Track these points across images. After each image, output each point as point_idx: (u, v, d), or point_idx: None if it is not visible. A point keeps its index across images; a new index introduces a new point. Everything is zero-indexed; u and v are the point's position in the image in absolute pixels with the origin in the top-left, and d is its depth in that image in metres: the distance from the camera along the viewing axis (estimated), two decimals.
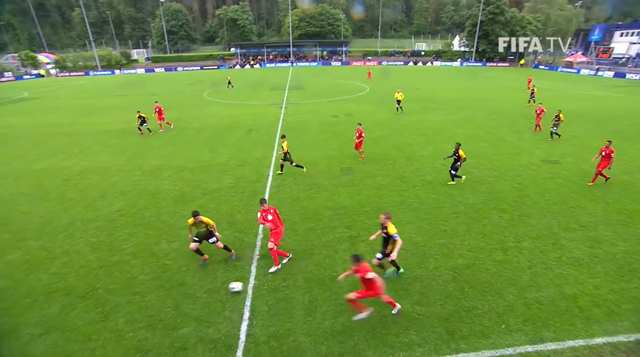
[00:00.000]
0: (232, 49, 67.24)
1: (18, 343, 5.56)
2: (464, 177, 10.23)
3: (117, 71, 65.57)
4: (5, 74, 61.63)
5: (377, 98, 23.71)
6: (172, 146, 15.32)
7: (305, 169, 11.19)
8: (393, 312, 5.82)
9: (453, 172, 9.86)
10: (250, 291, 6.49)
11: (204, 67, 64.87)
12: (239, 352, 5.36)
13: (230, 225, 8.69)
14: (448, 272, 6.68)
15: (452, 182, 10.00)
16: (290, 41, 59.07)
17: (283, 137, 10.97)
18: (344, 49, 60.93)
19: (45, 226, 9.05)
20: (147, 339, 5.60)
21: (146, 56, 75.28)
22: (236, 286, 6.39)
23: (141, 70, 65.81)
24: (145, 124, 17.04)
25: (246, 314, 6.00)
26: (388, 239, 6.00)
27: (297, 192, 10.00)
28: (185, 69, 65.30)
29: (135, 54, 74.42)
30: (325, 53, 61.65)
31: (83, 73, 65.16)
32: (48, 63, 71.36)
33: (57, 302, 6.37)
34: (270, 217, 6.74)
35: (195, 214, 6.84)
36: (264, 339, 5.53)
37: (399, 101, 18.59)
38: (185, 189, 10.96)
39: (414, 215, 8.52)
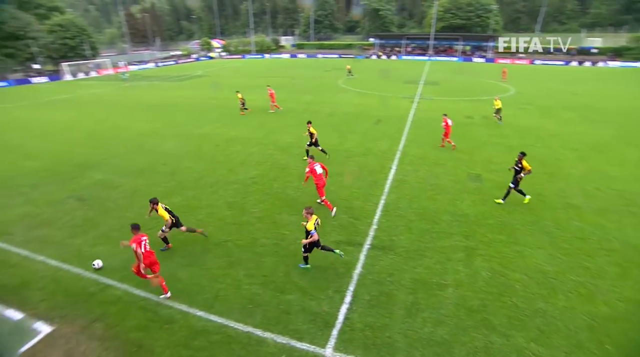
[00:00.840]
0: (371, 40, 69.55)
1: (169, 267, 7.56)
2: (528, 196, 9.30)
3: (266, 55, 77.30)
4: (192, 55, 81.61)
5: (521, 101, 21.90)
6: (304, 127, 16.66)
7: (328, 156, 12.40)
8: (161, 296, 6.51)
9: (512, 185, 9.12)
10: (355, 277, 6.98)
11: (342, 56, 67.91)
12: (335, 332, 5.83)
13: (347, 210, 9.46)
14: (583, 317, 5.98)
15: (500, 201, 9.27)
16: (432, 33, 58.12)
17: (309, 122, 12.54)
18: (490, 44, 56.14)
19: (198, 180, 11.76)
20: (259, 294, 6.73)
21: (292, 43, 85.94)
22: (97, 263, 7.44)
23: (286, 56, 74.93)
24: (244, 106, 19.86)
25: (347, 298, 6.49)
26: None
27: (418, 191, 10.35)
28: (324, 56, 70.54)
29: (283, 40, 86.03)
30: (468, 48, 58.80)
31: (241, 56, 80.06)
32: (218, 47, 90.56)
33: (199, 244, 8.32)
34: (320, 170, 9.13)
35: (153, 202, 7.63)
36: (360, 327, 5.89)
37: (498, 110, 16.88)
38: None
39: (547, 240, 7.91)
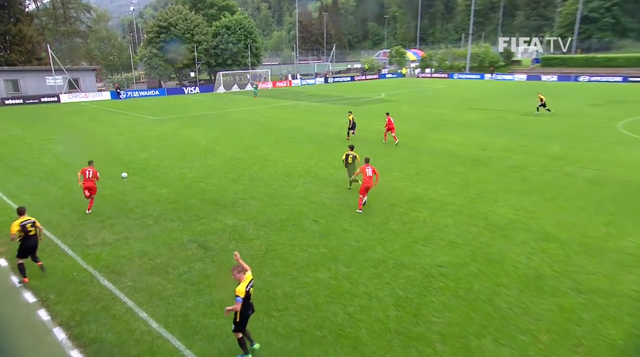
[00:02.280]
0: None
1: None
2: None
3: (487, 75, 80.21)
4: (383, 70, 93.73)
5: None
6: (540, 197, 17.12)
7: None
8: None
9: None
10: None
11: (630, 79, 63.75)
12: None
13: None
14: None
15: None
16: None
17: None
18: None
19: (358, 253, 12.70)
20: None
21: (534, 57, 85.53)
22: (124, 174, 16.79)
23: (521, 77, 76.31)
24: (352, 131, 28.19)
25: None
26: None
27: None
28: (591, 78, 68.19)
29: (519, 52, 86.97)
30: None
31: (446, 75, 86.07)
32: (414, 61, 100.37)
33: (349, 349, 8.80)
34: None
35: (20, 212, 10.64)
36: None
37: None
38: (545, 271, 11.53)
39: None
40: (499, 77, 78.66)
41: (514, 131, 30.21)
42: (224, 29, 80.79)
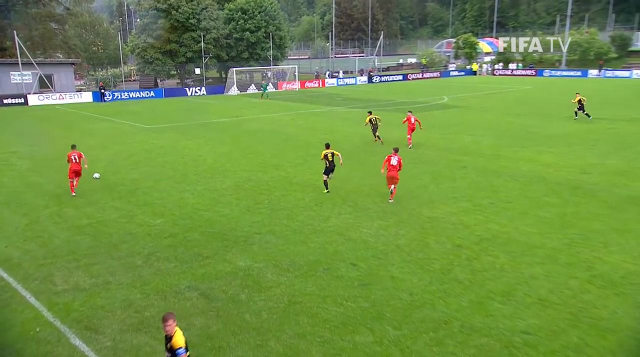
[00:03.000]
0: None
1: None
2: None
3: (592, 72, 79.01)
4: (448, 65, 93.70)
5: None
6: None
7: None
8: None
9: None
10: None
11: None
12: None
13: None
14: None
15: None
16: None
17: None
18: None
19: (411, 310, 12.48)
20: None
21: None
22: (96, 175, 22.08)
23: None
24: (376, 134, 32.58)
25: None
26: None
27: None
28: None
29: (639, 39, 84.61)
30: None
31: (533, 72, 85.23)
32: (488, 53, 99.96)
33: None
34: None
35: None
36: None
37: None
38: None
39: None
40: (610, 74, 77.41)
41: (631, 148, 29.58)
42: (239, 13, 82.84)
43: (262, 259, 15.48)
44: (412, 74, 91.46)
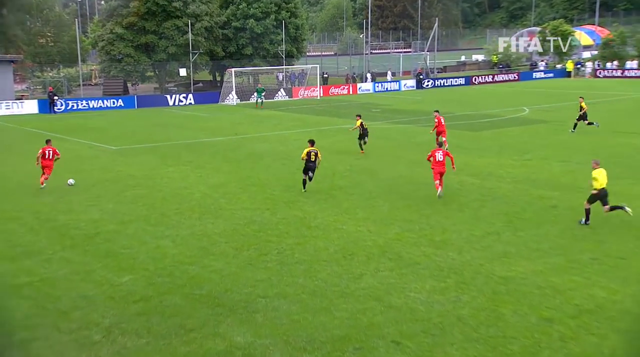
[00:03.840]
0: None
1: None
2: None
3: None
4: (531, 63, 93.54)
5: None
6: None
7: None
8: None
9: None
10: None
11: None
12: None
13: None
14: None
15: None
16: None
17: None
18: None
19: None
20: None
21: None
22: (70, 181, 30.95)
23: None
24: (363, 140, 39.49)
25: None
26: None
27: None
28: None
29: None
30: None
31: None
32: (588, 46, 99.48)
33: None
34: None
35: None
36: None
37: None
38: None
39: None
40: None
41: None
42: None
43: (268, 334, 15.34)
44: (478, 76, 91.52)
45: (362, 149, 38.95)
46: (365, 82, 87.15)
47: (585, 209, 22.90)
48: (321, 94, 77.44)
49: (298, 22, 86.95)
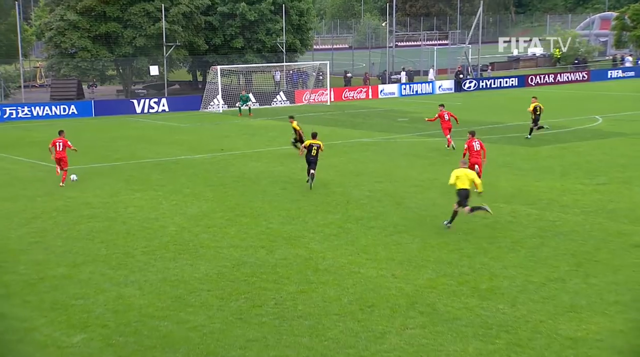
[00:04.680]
0: None
1: None
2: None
3: None
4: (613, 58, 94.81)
5: None
6: None
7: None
8: None
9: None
10: None
11: None
12: None
13: None
14: None
15: None
16: None
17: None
18: None
19: None
20: None
21: None
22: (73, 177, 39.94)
23: None
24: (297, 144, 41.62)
25: None
26: None
27: None
28: None
29: None
30: None
31: None
32: None
33: None
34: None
35: None
36: None
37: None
38: None
39: None
40: None
41: None
42: None
43: None
44: (536, 75, 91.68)
45: (301, 152, 38.69)
46: (398, 82, 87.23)
47: None
48: (332, 99, 77.53)
49: (302, 7, 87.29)
